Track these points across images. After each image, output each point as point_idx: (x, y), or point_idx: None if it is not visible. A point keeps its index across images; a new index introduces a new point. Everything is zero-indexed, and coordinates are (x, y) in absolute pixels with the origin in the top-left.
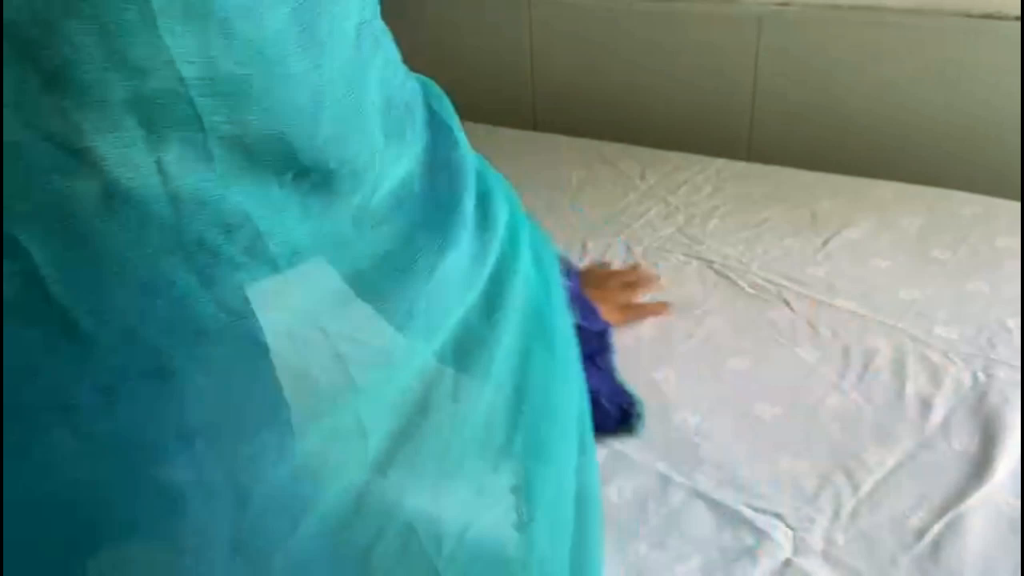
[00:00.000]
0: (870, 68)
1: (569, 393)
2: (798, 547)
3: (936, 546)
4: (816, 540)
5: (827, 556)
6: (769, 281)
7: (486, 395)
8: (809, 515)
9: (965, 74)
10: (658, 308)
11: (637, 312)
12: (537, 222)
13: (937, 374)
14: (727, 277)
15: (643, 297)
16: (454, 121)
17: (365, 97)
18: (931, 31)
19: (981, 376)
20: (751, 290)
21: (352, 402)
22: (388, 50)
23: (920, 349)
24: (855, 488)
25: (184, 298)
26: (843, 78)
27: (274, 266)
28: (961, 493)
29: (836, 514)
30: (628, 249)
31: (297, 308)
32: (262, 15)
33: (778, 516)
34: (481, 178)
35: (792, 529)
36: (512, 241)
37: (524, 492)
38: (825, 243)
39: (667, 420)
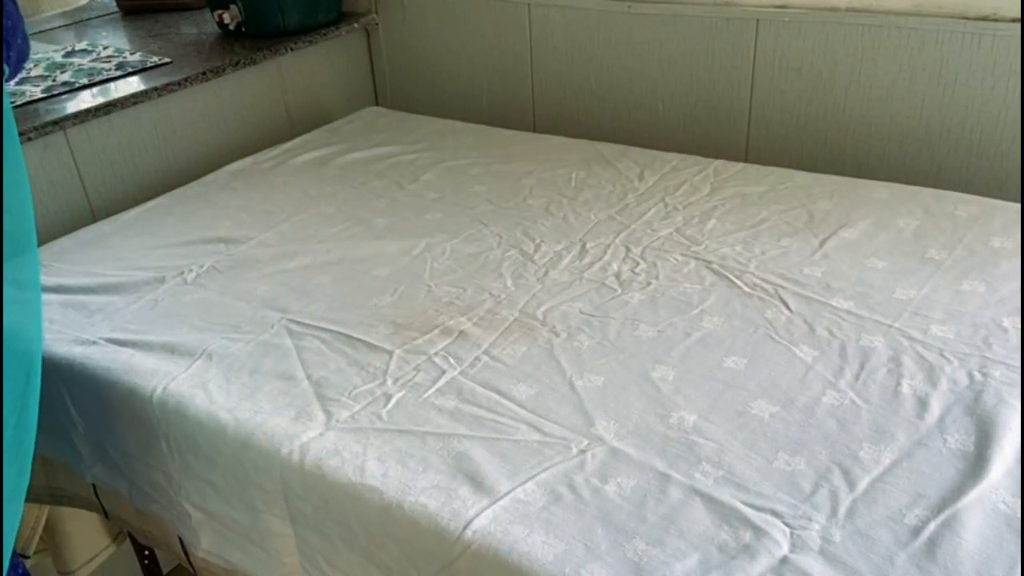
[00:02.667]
0: (867, 70)
1: None
2: (795, 544)
3: (933, 544)
4: (813, 538)
5: (824, 554)
6: (767, 281)
7: None
8: (806, 513)
9: (962, 76)
10: None
11: None
12: None
13: (933, 373)
14: (725, 277)
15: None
16: None
17: None
18: (928, 33)
19: (977, 375)
20: (749, 290)
21: None
22: None
23: (916, 348)
24: (852, 486)
25: None
26: (840, 79)
27: None
28: (957, 491)
29: (833, 512)
30: (627, 250)
31: None
32: None
33: (775, 514)
34: None
35: (789, 527)
36: None
37: None
38: (822, 243)
39: (665, 419)
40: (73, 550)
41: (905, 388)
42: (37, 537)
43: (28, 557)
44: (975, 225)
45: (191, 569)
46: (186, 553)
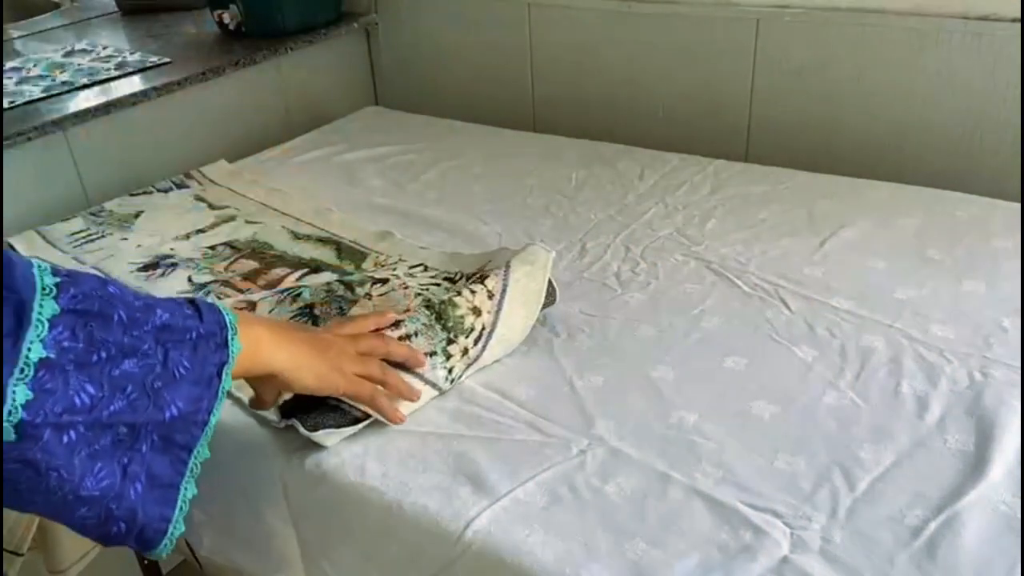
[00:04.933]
0: (868, 69)
1: None
2: (795, 545)
3: (933, 544)
4: (813, 538)
5: (824, 554)
6: (767, 281)
7: None
8: (806, 513)
9: (963, 76)
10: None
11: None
12: None
13: (933, 373)
14: (725, 277)
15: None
16: None
17: None
18: (928, 33)
19: (977, 375)
20: (749, 290)
21: None
22: None
23: (917, 348)
24: (852, 486)
25: None
26: (841, 79)
27: None
28: (958, 491)
29: (833, 512)
30: (627, 249)
31: None
32: None
33: (776, 514)
34: None
35: (789, 527)
36: None
37: None
38: (822, 243)
39: (665, 419)
40: (64, 549)
41: (905, 388)
42: (31, 536)
43: (22, 555)
44: (975, 225)
45: (198, 565)
46: (191, 550)
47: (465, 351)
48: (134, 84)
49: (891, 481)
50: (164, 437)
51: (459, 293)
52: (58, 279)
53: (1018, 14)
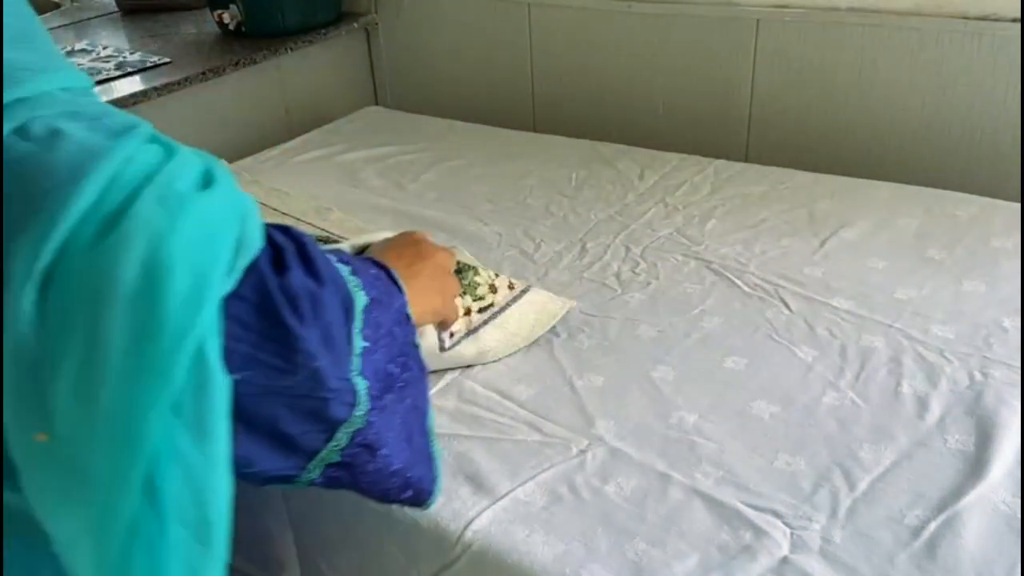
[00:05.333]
0: (868, 70)
1: None
2: (795, 545)
3: (932, 544)
4: (813, 538)
5: (824, 554)
6: (767, 281)
7: None
8: (806, 513)
9: (963, 76)
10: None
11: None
12: None
13: (933, 373)
14: (725, 277)
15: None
16: None
17: None
18: (928, 33)
19: (977, 375)
20: (749, 290)
21: None
22: None
23: (917, 348)
24: (852, 486)
25: None
26: (841, 80)
27: None
28: (957, 491)
29: (833, 512)
30: (627, 250)
31: None
32: None
33: (776, 514)
34: None
35: (790, 527)
36: None
37: None
38: (822, 243)
39: (666, 419)
40: None
41: (905, 388)
42: None
43: None
44: (975, 225)
45: None
46: None
47: (468, 311)
48: (134, 84)
49: (891, 481)
50: (415, 406)
51: (485, 268)
52: (350, 266)
53: (1018, 14)
